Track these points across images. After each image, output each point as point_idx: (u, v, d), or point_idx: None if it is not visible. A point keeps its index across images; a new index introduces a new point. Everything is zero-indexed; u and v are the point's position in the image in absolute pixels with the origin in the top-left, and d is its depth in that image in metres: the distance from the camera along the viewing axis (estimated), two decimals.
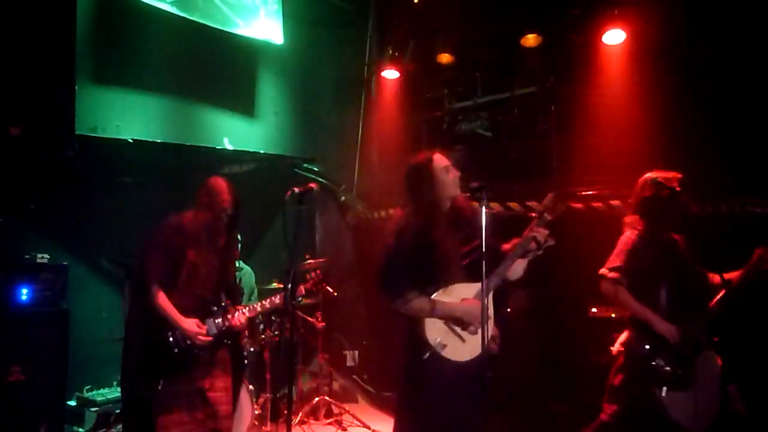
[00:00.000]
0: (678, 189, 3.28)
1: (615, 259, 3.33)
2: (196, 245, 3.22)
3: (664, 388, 3.16)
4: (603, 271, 3.34)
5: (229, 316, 3.29)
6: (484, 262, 2.44)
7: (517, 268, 2.78)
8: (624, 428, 3.38)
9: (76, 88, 4.36)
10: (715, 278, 3.31)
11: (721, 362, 3.25)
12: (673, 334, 3.19)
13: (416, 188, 2.78)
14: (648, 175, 3.39)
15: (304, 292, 3.42)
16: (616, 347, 3.39)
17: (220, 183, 3.33)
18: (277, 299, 3.38)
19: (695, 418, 3.18)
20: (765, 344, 3.80)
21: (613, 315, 4.08)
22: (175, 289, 3.19)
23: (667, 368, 3.18)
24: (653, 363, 3.19)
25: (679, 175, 3.34)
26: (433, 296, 2.64)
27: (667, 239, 3.38)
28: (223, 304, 3.32)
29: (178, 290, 3.20)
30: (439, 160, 2.79)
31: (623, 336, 3.38)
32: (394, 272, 2.66)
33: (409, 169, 2.84)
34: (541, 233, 2.68)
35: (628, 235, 3.36)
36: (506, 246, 2.80)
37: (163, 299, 3.15)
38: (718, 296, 3.28)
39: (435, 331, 2.62)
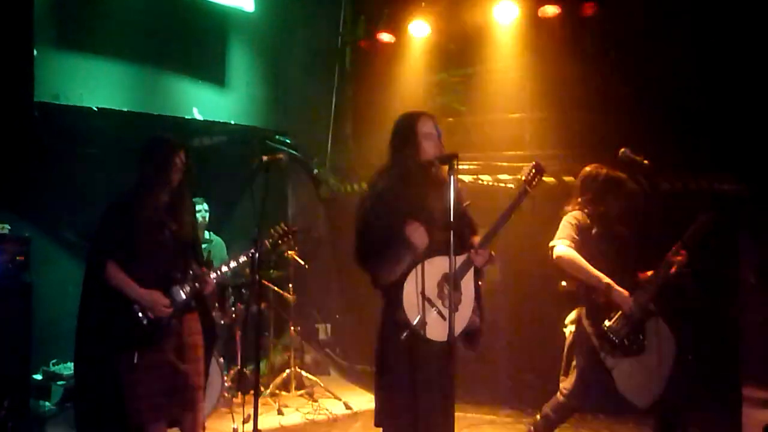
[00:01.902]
0: (623, 178, 3.37)
1: (562, 232, 3.39)
2: (150, 216, 3.13)
3: (613, 357, 3.23)
4: (553, 242, 3.39)
5: (194, 281, 3.23)
6: (451, 232, 2.40)
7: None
8: (577, 404, 3.47)
9: (36, 53, 4.19)
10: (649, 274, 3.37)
11: (675, 335, 3.32)
12: (626, 299, 3.25)
13: (398, 147, 2.70)
14: (589, 167, 3.49)
15: (268, 245, 3.35)
16: (567, 328, 3.45)
17: (166, 139, 3.22)
18: (242, 257, 3.32)
19: (642, 391, 3.25)
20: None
21: (582, 289, 4.14)
22: (134, 262, 3.10)
23: (618, 330, 3.24)
24: (603, 327, 3.25)
25: (623, 176, 3.41)
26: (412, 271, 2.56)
27: (611, 226, 3.44)
28: (187, 270, 3.24)
29: (138, 263, 3.11)
30: (424, 123, 2.70)
31: (573, 314, 3.44)
32: (370, 238, 2.59)
33: (395, 126, 2.75)
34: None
35: (574, 215, 3.43)
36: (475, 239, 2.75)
37: (116, 274, 3.06)
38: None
39: (415, 308, 2.55)
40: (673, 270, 3.28)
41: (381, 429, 2.66)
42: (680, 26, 4.64)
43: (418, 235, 2.52)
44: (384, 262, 2.55)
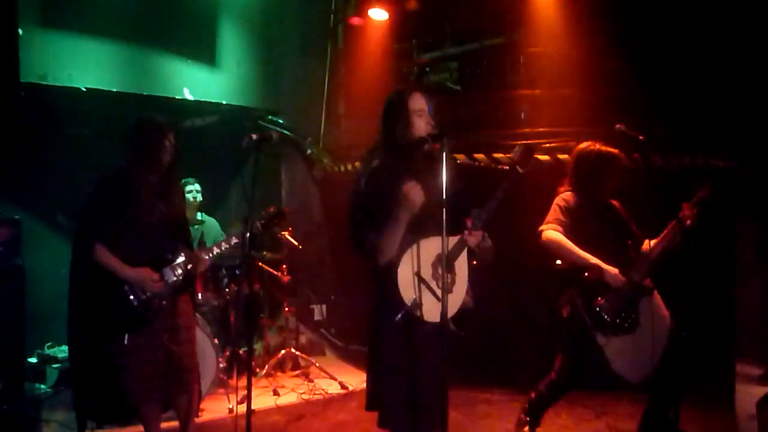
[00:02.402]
0: (617, 154, 3.34)
1: (550, 216, 3.38)
2: (139, 194, 3.09)
3: (605, 335, 3.23)
4: (542, 227, 3.37)
5: (186, 263, 3.21)
6: (444, 211, 2.37)
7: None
8: (571, 382, 3.48)
9: (21, 32, 4.12)
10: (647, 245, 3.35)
11: (669, 312, 3.33)
12: (616, 278, 3.24)
13: (389, 124, 2.63)
14: (583, 144, 3.46)
15: (259, 227, 3.33)
16: (562, 308, 3.45)
17: (155, 120, 3.17)
18: (234, 239, 3.30)
19: (635, 368, 3.26)
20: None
21: (574, 269, 4.14)
22: (123, 243, 3.08)
23: (610, 309, 3.24)
24: (595, 306, 3.25)
25: (616, 152, 3.39)
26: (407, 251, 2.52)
27: (604, 204, 3.43)
28: (177, 252, 3.22)
29: (126, 243, 3.09)
30: (415, 101, 2.62)
31: (568, 294, 3.44)
32: (364, 217, 2.54)
33: (386, 102, 2.67)
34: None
35: (563, 196, 3.41)
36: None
37: (104, 255, 3.04)
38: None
39: (409, 288, 2.51)
40: (667, 247, 3.28)
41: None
42: (676, 1, 4.59)
43: (414, 192, 2.47)
44: (381, 232, 2.50)
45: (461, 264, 2.62)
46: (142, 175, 3.10)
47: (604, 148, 3.41)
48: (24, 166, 4.66)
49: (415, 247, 2.52)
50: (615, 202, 3.48)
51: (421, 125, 2.59)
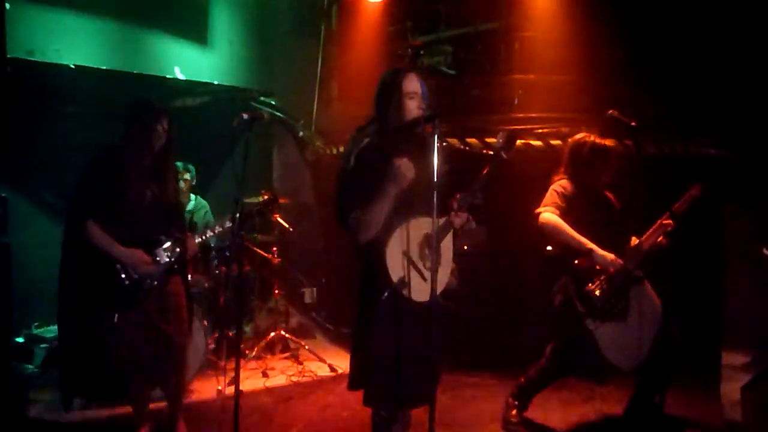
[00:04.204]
0: (611, 146, 3.35)
1: (548, 200, 3.39)
2: (132, 176, 3.09)
3: (595, 321, 3.25)
4: (540, 209, 3.39)
5: (177, 245, 3.22)
6: (435, 193, 2.36)
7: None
8: (561, 368, 3.51)
9: (8, 6, 4.03)
10: (635, 241, 3.39)
11: (660, 299, 3.35)
12: (610, 262, 3.26)
13: (381, 105, 2.62)
14: (577, 135, 3.47)
15: (254, 214, 3.36)
16: (556, 295, 3.47)
17: (150, 104, 3.17)
18: (227, 223, 3.31)
19: (625, 354, 3.29)
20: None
21: (566, 254, 4.16)
22: (115, 222, 3.09)
23: (600, 294, 3.26)
24: (586, 291, 3.26)
25: (610, 144, 3.40)
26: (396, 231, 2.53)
27: (598, 194, 3.45)
28: (169, 233, 3.23)
29: (119, 223, 3.10)
30: (409, 82, 2.60)
31: (561, 280, 3.45)
32: (353, 195, 2.53)
33: (379, 82, 2.66)
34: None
35: (561, 183, 3.43)
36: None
37: (97, 233, 3.06)
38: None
39: (398, 267, 2.53)
40: (661, 239, 3.31)
41: (362, 392, 2.66)
42: None
43: (405, 166, 2.46)
44: (367, 208, 2.49)
45: (446, 245, 2.65)
46: (134, 156, 3.11)
47: (598, 140, 3.42)
48: (10, 143, 4.59)
49: (404, 226, 2.54)
50: (609, 194, 3.49)
51: (413, 107, 2.58)
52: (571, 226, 3.32)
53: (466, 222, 2.65)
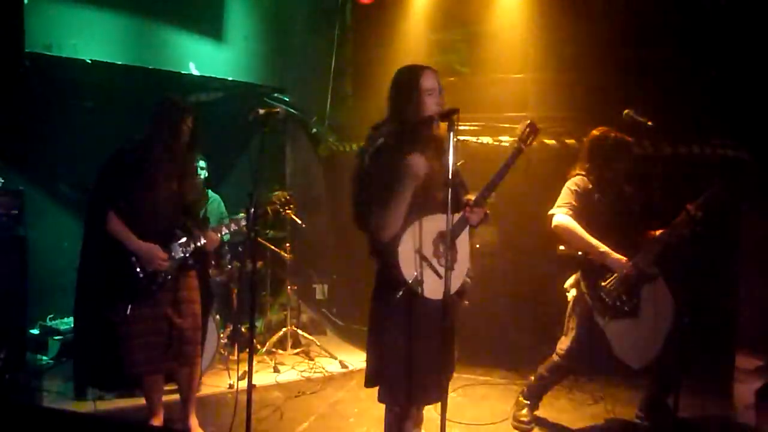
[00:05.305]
0: (629, 140, 3.32)
1: (561, 200, 3.38)
2: (155, 171, 3.14)
3: (605, 318, 3.24)
4: (552, 211, 3.37)
5: (194, 239, 3.26)
6: (449, 190, 2.36)
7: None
8: (572, 365, 3.50)
9: (26, 0, 4.06)
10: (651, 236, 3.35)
11: (674, 298, 3.32)
12: (622, 265, 3.23)
13: (398, 102, 2.58)
14: (598, 130, 3.44)
15: (270, 213, 3.37)
16: (569, 292, 3.45)
17: (176, 102, 3.22)
18: (242, 221, 3.34)
19: (637, 352, 3.27)
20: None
21: (579, 253, 4.14)
22: (134, 215, 3.13)
23: (611, 292, 3.24)
24: (598, 288, 3.25)
25: (630, 139, 3.37)
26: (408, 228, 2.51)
27: (616, 189, 3.41)
28: (187, 227, 3.27)
29: (138, 216, 3.14)
30: (427, 78, 2.56)
31: (573, 277, 3.44)
32: (369, 193, 2.51)
33: (395, 79, 2.62)
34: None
35: (575, 180, 3.40)
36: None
37: (117, 224, 3.10)
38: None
39: (411, 266, 2.51)
40: (677, 236, 3.27)
41: (377, 389, 2.66)
42: None
43: (418, 161, 2.45)
44: (385, 208, 2.47)
45: (463, 242, 2.63)
46: (157, 151, 3.15)
47: (619, 134, 3.39)
48: (28, 136, 4.63)
49: (417, 224, 2.52)
50: (628, 187, 3.45)
51: (431, 104, 2.55)
52: (587, 223, 3.29)
53: (483, 218, 2.64)
